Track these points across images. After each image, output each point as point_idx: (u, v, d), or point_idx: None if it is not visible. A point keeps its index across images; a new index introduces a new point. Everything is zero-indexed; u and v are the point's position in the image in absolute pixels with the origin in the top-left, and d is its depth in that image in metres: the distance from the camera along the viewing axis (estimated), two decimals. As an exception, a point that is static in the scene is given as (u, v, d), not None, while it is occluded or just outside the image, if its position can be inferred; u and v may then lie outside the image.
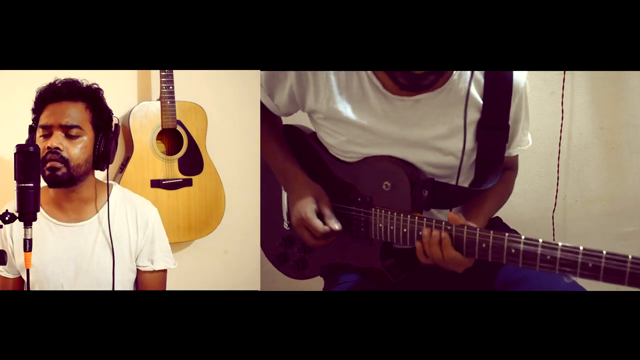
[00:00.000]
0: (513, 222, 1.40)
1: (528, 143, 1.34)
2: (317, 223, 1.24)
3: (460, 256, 1.12)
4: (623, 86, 1.90)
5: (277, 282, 1.54)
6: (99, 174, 1.38)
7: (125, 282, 1.36)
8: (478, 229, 1.09)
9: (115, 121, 1.36)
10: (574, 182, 1.95)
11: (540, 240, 1.03)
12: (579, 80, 1.89)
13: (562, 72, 1.86)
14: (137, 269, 1.39)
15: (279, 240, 1.42)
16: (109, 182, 1.37)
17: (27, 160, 1.09)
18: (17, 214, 1.09)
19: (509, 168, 1.38)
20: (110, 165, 1.34)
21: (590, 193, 1.96)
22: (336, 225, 1.24)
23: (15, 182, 1.09)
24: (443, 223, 1.13)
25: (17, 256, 1.33)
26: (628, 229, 1.91)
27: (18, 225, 1.10)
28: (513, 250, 1.05)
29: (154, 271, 1.39)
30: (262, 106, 1.39)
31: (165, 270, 1.42)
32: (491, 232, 1.08)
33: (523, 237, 1.05)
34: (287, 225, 1.41)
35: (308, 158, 1.36)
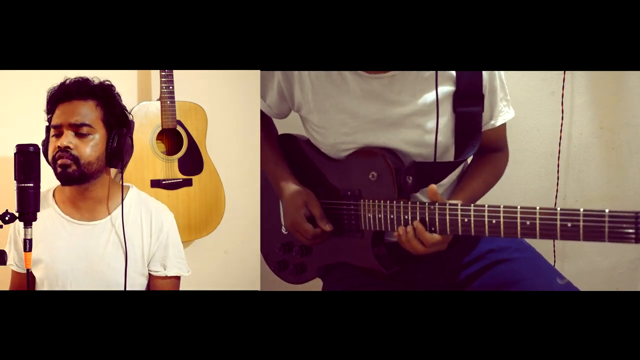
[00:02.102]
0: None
1: (510, 114, 1.34)
2: (307, 226, 1.29)
3: (438, 237, 1.16)
4: (623, 86, 1.90)
5: (277, 282, 1.54)
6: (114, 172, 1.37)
7: (135, 286, 1.34)
8: (459, 204, 1.13)
9: (130, 117, 1.34)
10: (574, 182, 1.95)
11: (519, 207, 1.06)
12: (579, 80, 1.88)
13: (562, 72, 1.86)
14: (150, 274, 1.37)
15: (278, 246, 1.44)
16: (127, 184, 1.37)
17: (27, 160, 1.09)
18: (17, 214, 1.09)
19: (497, 149, 1.39)
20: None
21: (590, 193, 1.95)
22: (327, 226, 1.29)
23: (15, 182, 1.09)
24: (418, 210, 1.17)
25: None
26: (628, 229, 1.90)
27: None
28: (494, 222, 1.08)
29: (167, 277, 1.37)
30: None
31: (178, 278, 1.40)
32: (472, 205, 1.11)
33: (502, 206, 1.08)
34: (285, 229, 1.42)
35: (302, 162, 1.40)
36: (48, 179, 1.26)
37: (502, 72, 1.30)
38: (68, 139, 1.24)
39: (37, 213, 1.11)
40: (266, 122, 1.46)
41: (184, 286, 1.46)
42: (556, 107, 1.88)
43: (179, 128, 1.71)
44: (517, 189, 1.92)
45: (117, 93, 1.33)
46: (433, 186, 1.16)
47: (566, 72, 1.86)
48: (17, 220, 1.09)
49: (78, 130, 1.25)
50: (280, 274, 1.48)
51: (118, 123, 1.30)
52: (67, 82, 1.28)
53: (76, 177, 1.25)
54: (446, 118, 1.25)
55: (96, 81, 1.30)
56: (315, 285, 1.49)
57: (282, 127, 1.51)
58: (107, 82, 1.32)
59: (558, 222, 1.01)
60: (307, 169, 1.39)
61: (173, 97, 1.68)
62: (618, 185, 1.96)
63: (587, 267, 1.90)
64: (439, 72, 1.21)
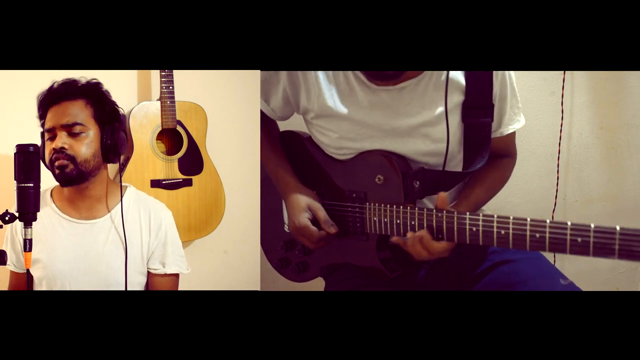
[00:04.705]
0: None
1: (520, 122, 1.33)
2: (313, 230, 1.28)
3: (445, 245, 1.15)
4: (623, 86, 1.90)
5: (277, 282, 1.54)
6: (112, 174, 1.38)
7: (134, 284, 1.34)
8: (468, 213, 1.11)
9: (121, 112, 1.35)
10: (574, 182, 1.95)
11: (529, 219, 1.04)
12: (579, 80, 1.89)
13: (562, 72, 1.86)
14: (149, 272, 1.37)
15: (280, 244, 1.44)
16: (125, 184, 1.38)
17: (27, 160, 1.09)
18: (17, 214, 1.09)
19: (505, 155, 1.38)
20: (111, 165, 1.34)
21: (590, 193, 1.96)
22: (332, 229, 1.28)
23: (15, 182, 1.09)
24: (425, 216, 1.16)
25: None
26: (628, 229, 1.91)
27: None
28: (502, 232, 1.07)
29: (166, 275, 1.37)
30: (260, 113, 1.42)
31: (177, 275, 1.41)
32: (481, 215, 1.10)
33: (511, 217, 1.06)
34: (287, 228, 1.42)
35: (305, 161, 1.39)
36: (48, 179, 1.26)
37: (514, 79, 1.28)
38: (62, 140, 1.25)
39: (39, 211, 1.11)
40: (267, 120, 1.45)
41: (184, 286, 1.46)
42: (556, 107, 1.89)
43: (179, 128, 1.71)
44: (517, 189, 1.93)
45: (105, 90, 1.34)
46: (443, 194, 1.15)
47: (566, 72, 1.86)
48: (17, 220, 1.09)
49: (70, 130, 1.26)
50: (281, 271, 1.48)
51: (110, 119, 1.32)
52: (55, 85, 1.30)
53: (74, 176, 1.26)
54: (454, 128, 1.23)
55: (83, 81, 1.31)
56: (317, 285, 1.49)
57: (283, 124, 1.51)
58: (94, 81, 1.33)
59: (568, 237, 0.99)
60: (310, 167, 1.38)
61: (173, 97, 1.68)
62: (618, 185, 1.96)
63: (588, 267, 1.91)
64: (448, 81, 1.20)
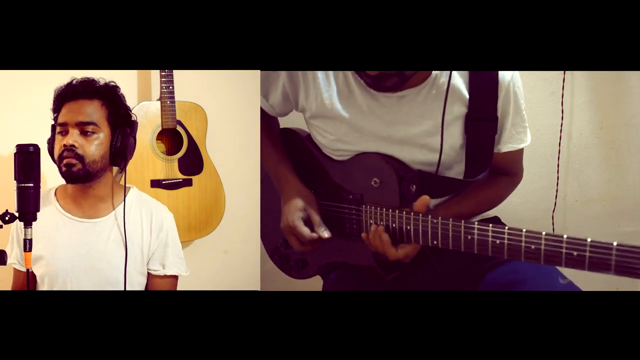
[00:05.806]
0: (513, 222, 1.39)
1: (523, 142, 1.30)
2: (304, 230, 1.26)
3: (401, 254, 1.18)
4: (623, 86, 1.90)
5: (277, 282, 1.54)
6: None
7: (134, 284, 1.35)
8: (463, 222, 1.10)
9: (133, 118, 1.36)
10: (574, 182, 1.95)
11: (524, 230, 1.03)
12: (579, 80, 1.89)
13: (562, 72, 1.86)
14: (148, 274, 1.38)
15: (280, 241, 1.43)
16: (128, 185, 1.38)
17: (27, 160, 1.09)
18: (17, 214, 1.09)
19: (505, 172, 1.36)
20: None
21: (590, 193, 1.96)
22: (325, 234, 1.26)
23: (15, 182, 1.09)
24: (420, 221, 1.15)
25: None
26: (628, 229, 1.91)
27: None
28: (497, 242, 1.06)
29: (165, 276, 1.38)
30: (260, 110, 1.41)
31: (176, 277, 1.41)
32: (476, 223, 1.09)
33: (507, 227, 1.05)
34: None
35: (304, 159, 1.39)
36: (51, 179, 1.26)
37: (521, 96, 1.25)
38: (73, 137, 1.26)
39: (39, 211, 1.11)
40: (267, 117, 1.45)
41: (185, 286, 1.46)
42: (556, 107, 1.89)
43: (179, 128, 1.71)
44: (517, 189, 1.92)
45: (121, 94, 1.35)
46: (426, 197, 1.15)
47: (566, 72, 1.86)
48: (17, 220, 1.09)
49: (83, 128, 1.27)
50: (282, 267, 1.48)
51: (122, 123, 1.33)
52: (74, 82, 1.30)
53: (81, 175, 1.26)
54: (454, 139, 1.22)
55: (102, 82, 1.32)
56: (316, 284, 1.49)
57: (283, 122, 1.51)
58: (112, 83, 1.34)
59: (563, 250, 0.98)
60: (308, 166, 1.37)
61: (173, 97, 1.68)
62: (618, 185, 1.96)
63: (587, 267, 1.90)
64: (450, 92, 1.18)
